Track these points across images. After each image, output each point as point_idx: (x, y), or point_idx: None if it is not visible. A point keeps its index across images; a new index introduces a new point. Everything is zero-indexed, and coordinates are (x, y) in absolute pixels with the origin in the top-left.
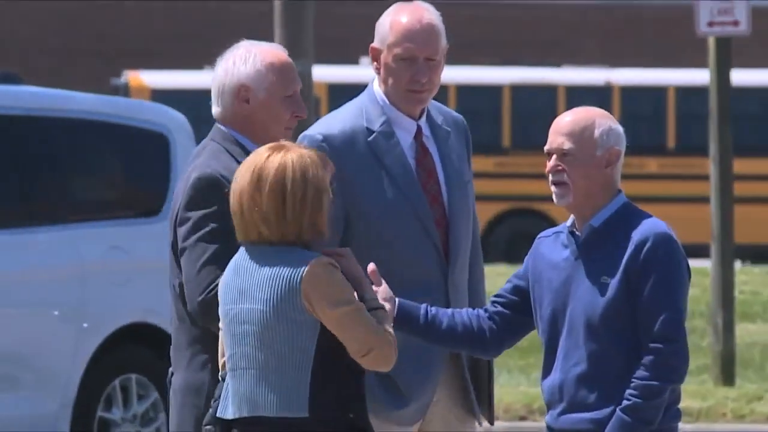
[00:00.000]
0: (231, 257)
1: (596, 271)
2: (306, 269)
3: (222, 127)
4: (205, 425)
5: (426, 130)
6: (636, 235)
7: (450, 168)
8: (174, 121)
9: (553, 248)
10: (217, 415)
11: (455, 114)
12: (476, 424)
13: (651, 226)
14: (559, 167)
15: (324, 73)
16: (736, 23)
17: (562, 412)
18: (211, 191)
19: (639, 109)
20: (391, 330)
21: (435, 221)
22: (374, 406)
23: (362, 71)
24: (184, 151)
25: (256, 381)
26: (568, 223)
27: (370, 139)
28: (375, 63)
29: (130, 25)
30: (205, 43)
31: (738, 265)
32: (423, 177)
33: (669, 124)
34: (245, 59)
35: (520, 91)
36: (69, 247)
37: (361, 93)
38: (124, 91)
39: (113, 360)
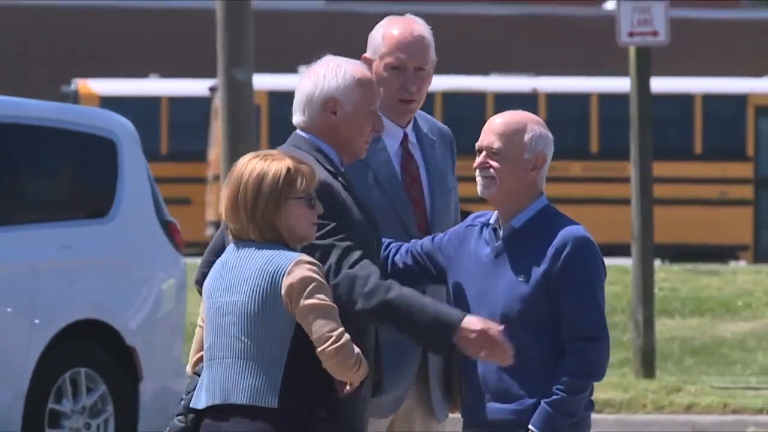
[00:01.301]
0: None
1: (515, 270)
2: (290, 266)
3: (305, 135)
4: (177, 415)
5: (412, 138)
6: (555, 238)
7: (434, 175)
8: (121, 127)
9: (477, 240)
10: (190, 405)
11: (441, 125)
12: (436, 422)
13: (570, 230)
14: (487, 164)
15: (264, 82)
16: (655, 33)
17: (486, 403)
18: (325, 194)
19: (564, 115)
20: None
21: (416, 224)
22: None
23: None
24: (131, 156)
25: (231, 369)
26: (492, 219)
27: None
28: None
29: (79, 34)
30: (150, 52)
31: (657, 263)
32: (407, 182)
33: (592, 130)
34: (336, 73)
35: (450, 98)
36: (21, 246)
37: None
38: (74, 98)
39: (63, 354)
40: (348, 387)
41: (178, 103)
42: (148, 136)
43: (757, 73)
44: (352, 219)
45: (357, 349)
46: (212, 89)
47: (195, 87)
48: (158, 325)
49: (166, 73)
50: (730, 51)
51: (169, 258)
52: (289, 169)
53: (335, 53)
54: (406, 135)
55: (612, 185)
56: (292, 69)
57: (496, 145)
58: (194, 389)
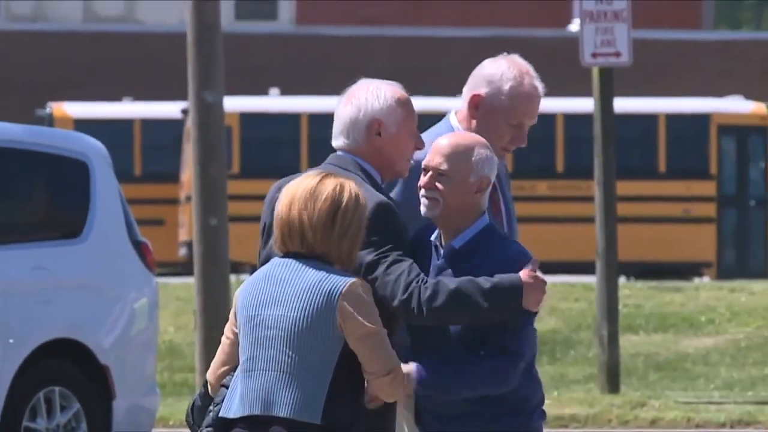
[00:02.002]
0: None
1: None
2: (346, 287)
3: (348, 156)
4: (206, 426)
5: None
6: (494, 258)
7: (509, 202)
8: (93, 149)
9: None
10: (220, 415)
11: None
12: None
13: (508, 249)
14: (433, 185)
15: (236, 104)
16: (618, 54)
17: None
18: (388, 217)
19: (530, 134)
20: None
21: None
22: None
23: (272, 101)
24: (103, 177)
25: (274, 382)
26: (434, 236)
27: None
28: (473, 109)
29: (54, 59)
30: (124, 76)
31: (622, 280)
32: (493, 210)
33: (558, 149)
34: (377, 96)
35: (421, 118)
36: None
37: (272, 122)
38: (49, 121)
39: (38, 373)
40: (376, 398)
41: (151, 125)
42: (122, 157)
43: (720, 93)
44: (404, 239)
45: (403, 378)
46: (184, 111)
47: (167, 109)
48: (131, 344)
49: (140, 96)
50: (693, 72)
51: (141, 277)
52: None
53: (305, 75)
54: None
55: (577, 204)
56: (263, 91)
57: (444, 166)
58: (222, 401)
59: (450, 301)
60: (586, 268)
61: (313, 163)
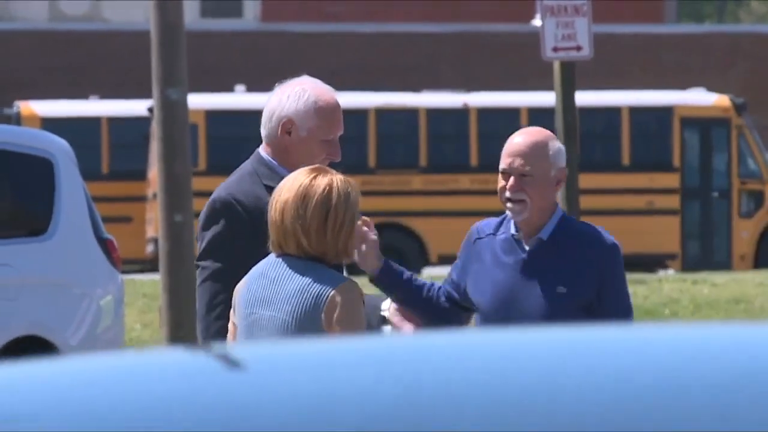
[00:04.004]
0: (232, 275)
1: (549, 280)
2: (334, 291)
3: (261, 152)
4: None
5: None
6: (587, 246)
7: None
8: (58, 147)
9: (494, 249)
10: None
11: None
12: None
13: (596, 234)
14: (520, 188)
15: (202, 101)
16: (579, 48)
17: None
18: (223, 212)
19: (494, 129)
20: None
21: None
22: None
23: (238, 98)
24: (68, 175)
25: None
26: (512, 230)
27: None
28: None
29: (20, 58)
30: (91, 74)
31: None
32: None
33: None
34: (299, 96)
35: (383, 114)
36: None
37: (237, 119)
38: (16, 119)
39: None
40: None
41: (117, 123)
42: (89, 155)
43: (682, 86)
44: (228, 241)
45: None
46: (150, 109)
47: (134, 107)
48: (97, 341)
49: (107, 94)
50: (655, 65)
51: (106, 274)
52: (358, 194)
53: (270, 72)
54: None
55: None
56: (229, 88)
57: (526, 167)
58: None
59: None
60: None
61: None
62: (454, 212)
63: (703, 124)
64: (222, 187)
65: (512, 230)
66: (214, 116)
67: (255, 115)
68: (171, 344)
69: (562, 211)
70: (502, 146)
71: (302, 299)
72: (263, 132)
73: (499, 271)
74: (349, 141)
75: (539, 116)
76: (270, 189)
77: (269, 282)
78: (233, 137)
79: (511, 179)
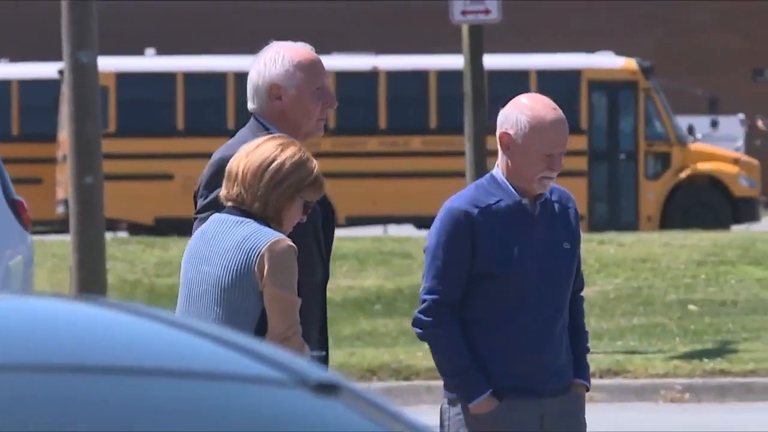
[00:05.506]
0: None
1: (561, 239)
2: (267, 246)
3: (257, 120)
4: None
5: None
6: (567, 202)
7: None
8: None
9: (502, 219)
10: None
11: None
12: None
13: (565, 191)
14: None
15: (112, 64)
16: (487, 12)
17: (560, 368)
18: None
19: (403, 92)
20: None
21: None
22: None
23: (148, 61)
24: None
25: None
26: (517, 197)
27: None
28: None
29: None
30: (1, 37)
31: None
32: None
33: (431, 106)
34: (275, 60)
35: None
36: None
37: (147, 81)
38: None
39: None
40: None
41: (28, 85)
42: (0, 118)
43: (590, 49)
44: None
45: (301, 343)
46: (61, 72)
47: (44, 70)
48: None
49: (17, 57)
50: (564, 29)
51: (16, 235)
52: (317, 175)
53: (181, 35)
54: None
55: (450, 159)
56: (139, 51)
57: (566, 146)
58: None
59: None
60: None
61: (189, 121)
62: (362, 174)
63: (610, 87)
64: (224, 148)
65: (516, 197)
66: (124, 79)
67: (165, 78)
68: None
69: None
70: (411, 109)
71: (236, 254)
72: (253, 106)
73: (523, 237)
74: None
75: (449, 79)
76: None
77: (208, 239)
78: (143, 100)
79: (556, 160)
